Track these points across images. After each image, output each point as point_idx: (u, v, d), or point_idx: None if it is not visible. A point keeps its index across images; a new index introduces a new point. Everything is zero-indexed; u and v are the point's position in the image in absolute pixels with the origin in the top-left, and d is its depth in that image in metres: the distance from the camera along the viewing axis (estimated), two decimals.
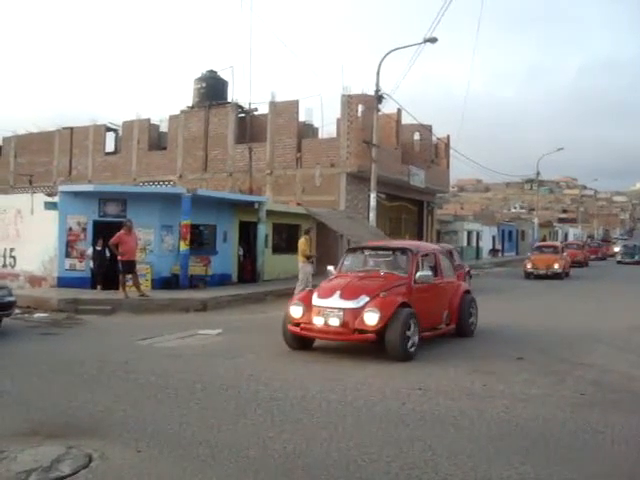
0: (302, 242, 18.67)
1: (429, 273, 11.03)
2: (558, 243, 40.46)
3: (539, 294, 22.33)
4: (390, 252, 11.96)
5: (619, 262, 46.42)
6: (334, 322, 9.81)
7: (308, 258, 18.36)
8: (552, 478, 4.97)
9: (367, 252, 12.20)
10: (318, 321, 10.00)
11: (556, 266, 29.27)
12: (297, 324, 10.30)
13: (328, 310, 9.92)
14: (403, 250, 11.52)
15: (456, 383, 8.27)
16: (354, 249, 12.88)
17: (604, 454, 5.58)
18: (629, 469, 5.22)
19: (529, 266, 30.10)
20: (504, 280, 29.66)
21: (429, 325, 10.98)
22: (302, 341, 10.56)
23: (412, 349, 9.77)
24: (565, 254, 32.55)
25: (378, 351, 9.79)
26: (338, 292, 10.05)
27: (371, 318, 9.53)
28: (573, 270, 32.91)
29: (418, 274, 10.73)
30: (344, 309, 9.79)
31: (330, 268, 12.01)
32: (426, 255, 11.91)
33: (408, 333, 9.62)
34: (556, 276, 29.11)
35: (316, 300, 10.23)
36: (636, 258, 45.89)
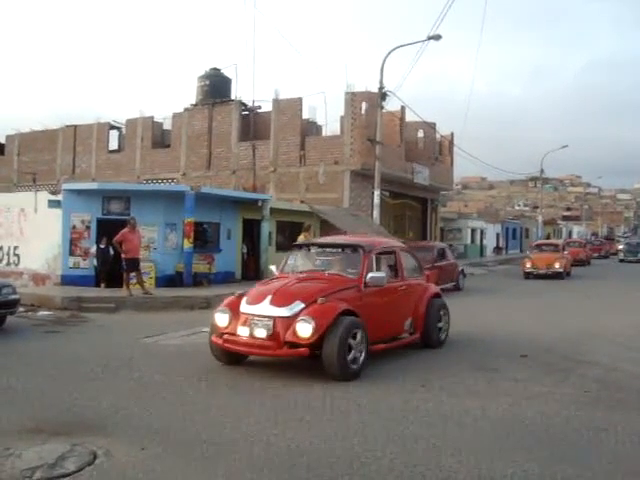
0: (301, 239, 18.66)
1: (382, 274, 9.37)
2: (559, 241, 39.34)
3: (535, 295, 21.45)
4: (340, 249, 10.11)
5: (622, 260, 45.17)
6: (260, 333, 8.29)
7: None
8: (556, 475, 4.97)
9: (314, 249, 10.44)
10: (243, 332, 8.48)
11: (557, 265, 28.14)
12: (223, 334, 8.77)
13: (256, 318, 8.41)
14: (354, 247, 9.85)
15: (460, 380, 8.26)
16: (300, 245, 11.14)
17: (608, 452, 5.57)
18: (633, 467, 5.21)
19: (528, 265, 28.88)
20: (503, 279, 29.31)
21: (385, 335, 9.61)
22: (231, 354, 8.94)
23: (355, 366, 8.26)
24: (566, 252, 31.55)
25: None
26: (269, 297, 8.50)
27: (304, 329, 8.01)
28: (574, 269, 31.97)
29: (369, 275, 9.14)
30: (274, 317, 8.27)
31: (272, 268, 10.64)
32: (383, 253, 10.33)
33: (351, 347, 8.17)
34: (557, 276, 27.94)
35: (244, 306, 8.71)
36: (639, 256, 44.61)
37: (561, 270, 28.13)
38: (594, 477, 4.96)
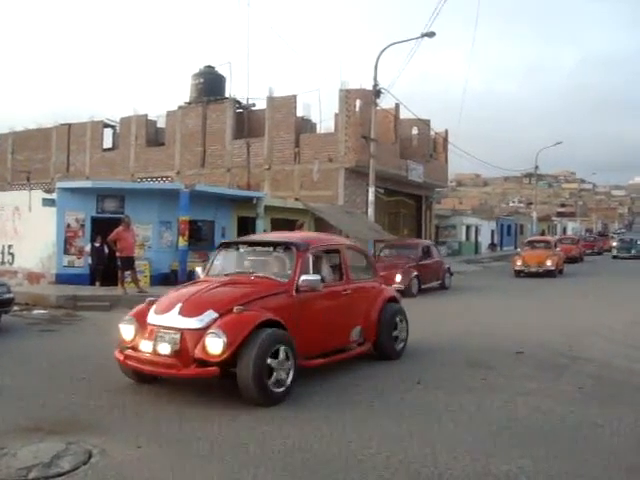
0: None
1: (316, 277, 7.95)
2: (551, 237, 38.00)
3: (525, 294, 20.43)
4: (271, 248, 8.66)
5: (615, 257, 44.54)
6: (164, 349, 7.00)
7: None
8: (551, 471, 4.99)
9: (243, 248, 9.08)
10: (146, 346, 7.19)
11: (548, 263, 26.99)
12: (126, 349, 7.53)
13: (162, 331, 7.14)
14: (287, 245, 8.43)
15: (455, 377, 8.28)
16: (228, 244, 9.56)
17: (603, 447, 5.59)
18: (628, 462, 5.23)
19: (519, 263, 27.65)
20: (493, 277, 28.36)
21: (326, 348, 8.38)
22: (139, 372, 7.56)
23: (280, 389, 6.97)
24: (558, 249, 30.43)
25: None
26: (179, 305, 7.25)
27: (213, 344, 6.75)
28: (567, 266, 31.19)
29: (302, 278, 7.82)
30: (182, 330, 7.01)
31: (198, 270, 9.35)
32: (324, 252, 9.07)
33: (271, 367, 6.86)
34: (548, 273, 26.80)
35: (151, 316, 7.45)
36: (633, 252, 44.12)
37: (553, 268, 27.04)
38: (589, 473, 4.97)
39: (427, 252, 21.78)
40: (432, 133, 38.50)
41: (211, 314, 7.02)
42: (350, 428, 6.08)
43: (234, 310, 7.01)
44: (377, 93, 26.25)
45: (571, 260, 36.12)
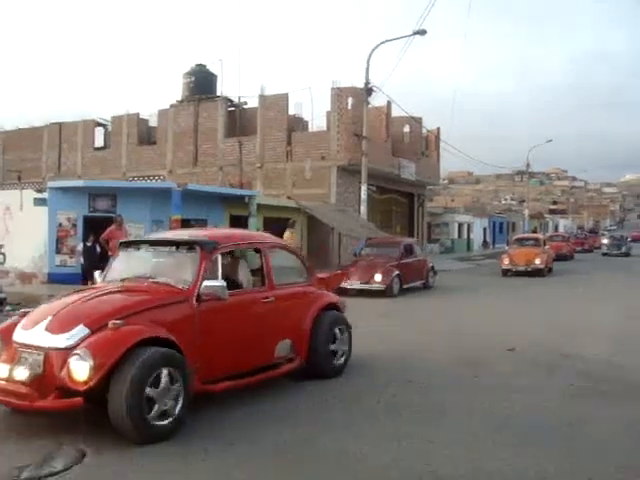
0: (287, 236, 18.51)
1: (219, 284, 6.54)
2: (540, 235, 36.20)
3: (511, 293, 20.07)
4: (173, 248, 7.21)
5: (605, 254, 44.03)
6: (21, 374, 5.65)
7: None
8: (543, 468, 5.00)
9: (144, 248, 7.56)
10: (1, 371, 5.79)
11: (537, 261, 25.74)
12: None
13: (25, 350, 5.80)
14: (191, 245, 6.99)
15: (448, 375, 8.29)
16: (128, 243, 7.91)
17: (594, 444, 5.62)
18: (618, 458, 5.25)
19: (506, 262, 26.26)
20: (481, 276, 27.11)
21: (240, 367, 6.98)
22: None
23: (164, 422, 5.65)
24: (547, 247, 28.95)
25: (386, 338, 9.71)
26: (48, 318, 5.91)
27: (78, 368, 5.39)
28: (557, 264, 30.21)
29: (203, 285, 6.47)
30: (46, 349, 5.67)
31: (96, 274, 7.77)
32: (238, 252, 8.02)
33: (150, 396, 5.52)
34: (537, 272, 25.63)
35: (17, 331, 6.05)
36: (623, 250, 43.65)
37: (542, 266, 25.84)
38: (580, 470, 5.00)
39: (409, 250, 20.92)
40: (424, 131, 38.56)
41: (82, 330, 5.68)
42: (341, 426, 6.08)
43: (109, 325, 5.64)
44: (369, 91, 26.33)
45: (561, 258, 35.47)
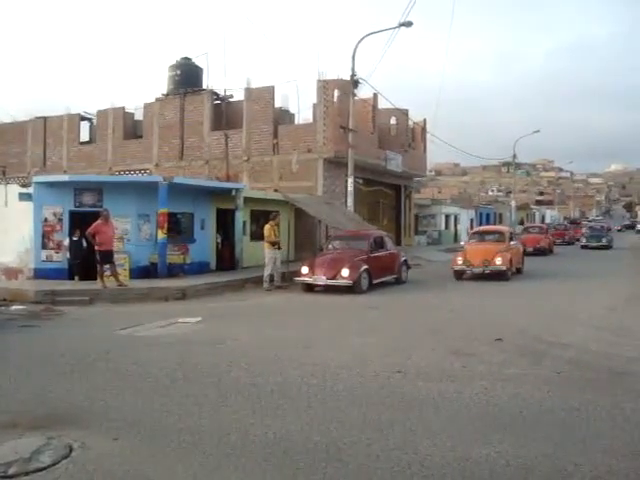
0: (267, 228, 18.92)
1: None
2: (505, 227, 29.11)
3: (468, 295, 16.73)
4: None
5: (584, 247, 40.41)
6: None
7: (273, 244, 18.45)
8: (529, 455, 5.04)
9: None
10: None
11: (498, 261, 20.28)
12: None
13: None
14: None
15: (436, 365, 8.33)
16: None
17: (580, 431, 5.67)
18: (603, 444, 5.30)
19: (459, 262, 20.93)
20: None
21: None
22: None
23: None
24: (515, 242, 23.49)
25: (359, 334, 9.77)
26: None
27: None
28: (532, 261, 27.23)
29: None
30: None
31: None
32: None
33: None
34: (499, 275, 20.40)
35: None
36: (603, 242, 40.13)
37: (504, 268, 20.32)
38: (566, 456, 5.04)
39: (379, 243, 19.81)
40: (410, 123, 38.58)
41: None
42: (331, 417, 6.11)
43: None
44: (355, 83, 26.30)
45: (539, 252, 33.22)
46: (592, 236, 41.47)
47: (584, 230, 45.97)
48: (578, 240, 45.84)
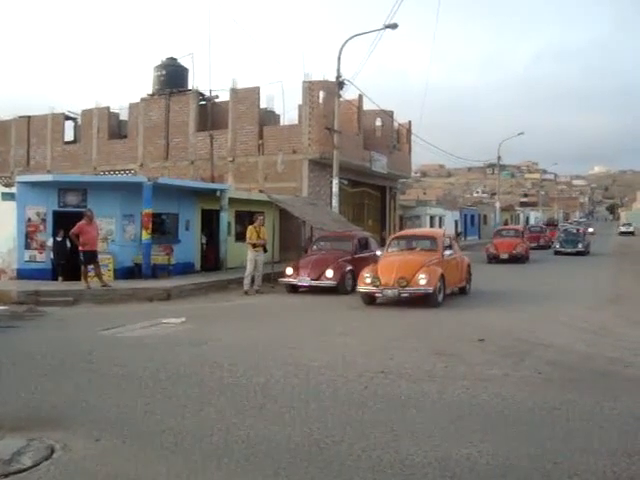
0: (249, 230, 18.67)
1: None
2: (439, 231, 21.68)
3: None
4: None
5: (557, 252, 35.71)
6: None
7: (254, 246, 18.22)
8: (510, 454, 5.09)
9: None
10: None
11: (421, 280, 14.22)
12: None
13: None
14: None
15: (418, 365, 8.38)
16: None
17: (560, 430, 5.72)
18: (583, 444, 5.36)
19: (367, 280, 14.80)
20: None
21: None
22: None
23: None
24: (451, 253, 16.22)
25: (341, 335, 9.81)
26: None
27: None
28: (501, 270, 24.92)
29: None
30: None
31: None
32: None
33: None
34: (424, 300, 14.42)
35: None
36: (579, 247, 35.28)
37: (430, 289, 14.20)
38: (546, 455, 5.08)
39: (364, 245, 19.88)
40: (395, 124, 38.69)
41: None
42: (313, 417, 6.13)
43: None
44: (340, 84, 26.32)
45: (514, 259, 29.44)
46: (567, 240, 36.52)
47: (558, 234, 40.92)
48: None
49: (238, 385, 7.40)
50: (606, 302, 15.39)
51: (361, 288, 14.93)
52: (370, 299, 15.00)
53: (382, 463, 4.96)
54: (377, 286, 14.54)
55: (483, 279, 19.52)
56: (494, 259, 29.97)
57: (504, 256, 29.61)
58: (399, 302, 14.71)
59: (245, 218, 24.21)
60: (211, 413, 6.31)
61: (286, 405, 6.58)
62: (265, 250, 18.76)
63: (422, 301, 14.39)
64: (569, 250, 35.23)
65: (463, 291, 17.03)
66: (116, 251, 18.96)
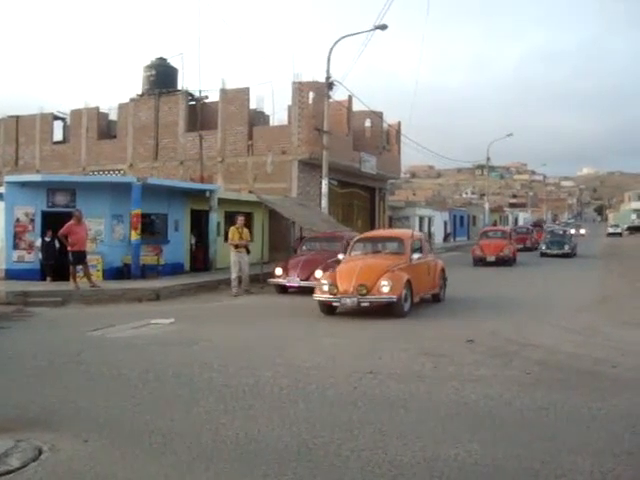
0: (231, 230, 18.54)
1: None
2: (407, 232, 16.60)
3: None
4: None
5: (543, 254, 34.74)
6: None
7: (236, 247, 18.09)
8: (498, 454, 5.11)
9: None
10: None
11: (384, 287, 12.76)
12: None
13: None
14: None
15: (407, 366, 8.40)
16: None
17: (548, 430, 5.75)
18: (571, 444, 5.39)
19: (325, 287, 13.38)
20: None
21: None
22: None
23: None
24: (420, 256, 14.55)
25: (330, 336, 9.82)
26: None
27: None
28: (486, 274, 23.90)
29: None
30: None
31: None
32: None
33: None
34: (391, 309, 12.99)
35: None
36: (566, 249, 34.34)
37: (393, 297, 12.70)
38: (534, 455, 5.11)
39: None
40: (385, 125, 38.75)
41: None
42: (302, 418, 6.14)
43: None
44: (330, 85, 26.37)
45: (502, 262, 28.01)
46: (553, 242, 35.76)
47: (544, 235, 40.34)
48: None
49: (227, 385, 7.40)
50: (594, 303, 15.47)
51: (316, 296, 13.47)
52: (328, 309, 13.51)
53: (371, 463, 4.97)
54: (334, 294, 13.00)
55: (466, 283, 19.42)
56: (480, 261, 28.72)
57: (491, 259, 28.39)
58: (362, 312, 13.25)
59: (234, 219, 24.23)
60: (200, 414, 6.31)
61: (275, 406, 6.59)
62: (248, 251, 18.47)
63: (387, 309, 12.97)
64: (555, 252, 34.36)
65: (437, 298, 15.45)
66: (105, 251, 18.91)
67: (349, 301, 12.87)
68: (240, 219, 18.75)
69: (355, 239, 16.29)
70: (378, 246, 15.25)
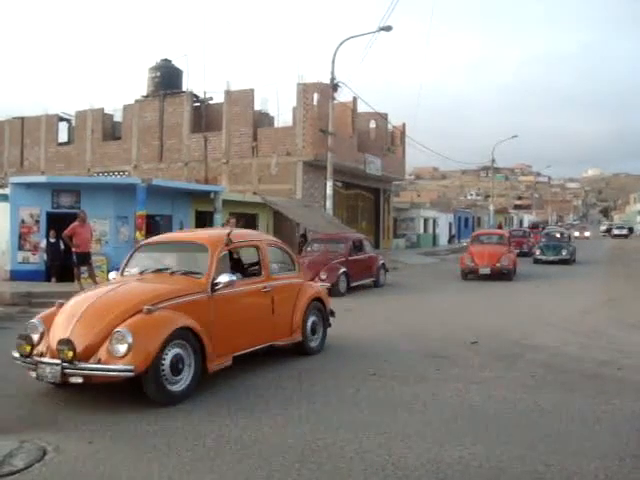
0: None
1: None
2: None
3: (458, 293, 20.88)
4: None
5: (537, 261, 29.84)
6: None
7: None
8: (502, 457, 5.10)
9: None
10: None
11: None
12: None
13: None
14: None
15: (411, 367, 8.38)
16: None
17: (551, 432, 5.74)
18: (574, 446, 5.38)
19: None
20: (439, 274, 24.61)
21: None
22: None
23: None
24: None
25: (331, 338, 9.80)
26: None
27: None
28: (484, 290, 18.91)
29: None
30: None
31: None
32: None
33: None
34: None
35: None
36: (563, 254, 29.50)
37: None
38: (537, 457, 5.10)
39: (358, 246, 19.69)
40: (390, 127, 38.76)
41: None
42: (306, 419, 6.13)
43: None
44: (335, 87, 26.37)
45: (499, 275, 21.77)
46: (548, 247, 30.72)
47: (540, 239, 35.31)
48: None
49: (231, 386, 7.40)
50: (599, 305, 15.42)
51: None
52: None
53: (374, 465, 4.96)
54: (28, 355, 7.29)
55: (431, 309, 15.20)
56: (471, 274, 22.49)
57: (484, 271, 21.95)
58: None
59: (239, 220, 24.18)
60: (204, 415, 6.31)
61: (278, 407, 6.58)
62: None
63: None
64: (551, 258, 29.54)
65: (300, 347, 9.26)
66: (110, 252, 18.91)
67: (48, 370, 6.66)
68: (232, 221, 18.65)
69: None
70: (166, 259, 8.62)
